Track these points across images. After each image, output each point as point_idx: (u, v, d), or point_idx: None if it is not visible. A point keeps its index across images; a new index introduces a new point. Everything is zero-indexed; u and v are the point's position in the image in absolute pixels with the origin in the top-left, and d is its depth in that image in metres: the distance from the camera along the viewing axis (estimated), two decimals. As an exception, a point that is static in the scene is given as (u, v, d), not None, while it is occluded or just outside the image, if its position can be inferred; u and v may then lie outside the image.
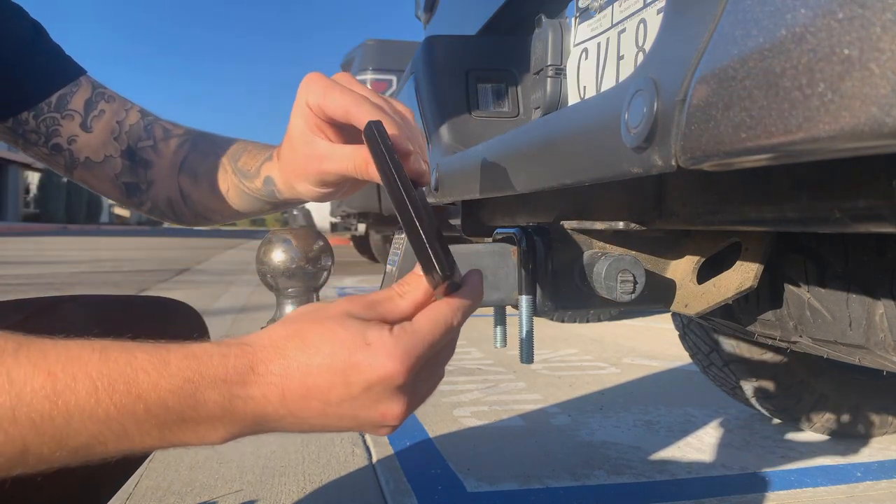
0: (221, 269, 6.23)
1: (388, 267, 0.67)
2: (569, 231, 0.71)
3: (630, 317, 3.28)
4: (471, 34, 1.21)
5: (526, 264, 0.67)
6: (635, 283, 0.64)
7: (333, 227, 6.68)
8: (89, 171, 0.71)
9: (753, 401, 1.45)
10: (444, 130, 1.04)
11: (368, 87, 0.54)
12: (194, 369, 0.39)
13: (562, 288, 0.70)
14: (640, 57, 0.64)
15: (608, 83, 0.71)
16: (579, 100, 0.77)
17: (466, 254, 0.65)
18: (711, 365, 1.43)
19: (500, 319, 0.71)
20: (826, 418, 1.43)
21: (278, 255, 0.63)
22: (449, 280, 0.42)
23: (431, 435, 1.51)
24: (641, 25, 0.64)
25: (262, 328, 0.44)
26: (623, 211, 0.71)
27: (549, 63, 0.81)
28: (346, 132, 0.55)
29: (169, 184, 0.72)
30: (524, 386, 1.96)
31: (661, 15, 0.59)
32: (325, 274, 0.65)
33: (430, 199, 0.92)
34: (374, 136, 0.46)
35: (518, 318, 0.67)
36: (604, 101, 0.47)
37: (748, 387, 1.41)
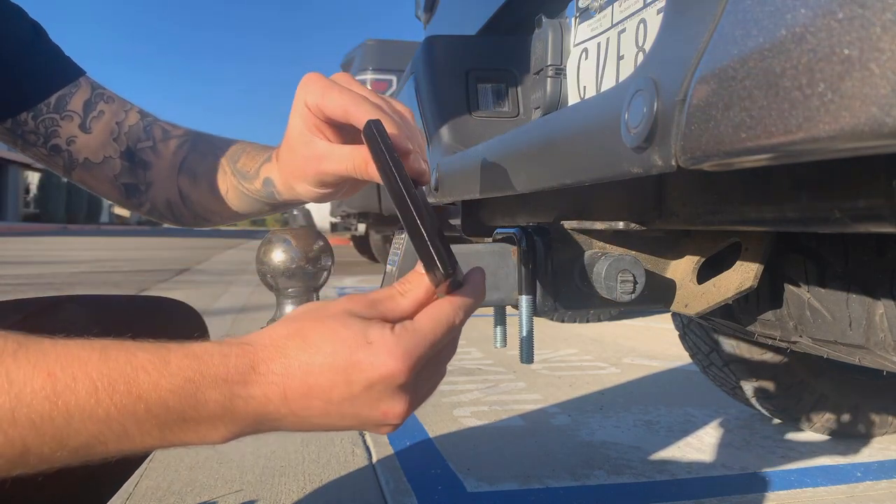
0: (221, 269, 6.23)
1: (388, 267, 0.67)
2: (569, 231, 0.71)
3: (630, 317, 3.28)
4: (471, 34, 1.21)
5: (526, 264, 0.67)
6: (635, 283, 0.64)
7: (333, 227, 6.68)
8: (88, 172, 0.71)
9: (753, 401, 1.45)
10: (444, 130, 1.04)
11: (368, 87, 0.54)
12: (195, 369, 0.39)
13: (562, 288, 0.69)
14: (640, 57, 0.64)
15: (608, 83, 0.71)
16: (579, 100, 0.77)
17: (466, 254, 0.65)
18: (711, 365, 1.43)
19: (500, 319, 0.71)
20: (826, 418, 1.43)
21: (278, 255, 0.63)
22: (451, 278, 0.42)
23: (431, 435, 1.50)
24: (641, 25, 0.64)
25: (261, 328, 0.44)
26: (623, 211, 0.71)
27: (549, 63, 0.81)
28: (345, 132, 0.55)
29: (168, 185, 0.72)
30: (524, 386, 1.96)
31: (661, 15, 0.59)
32: (325, 274, 0.65)
33: (430, 200, 0.92)
34: (373, 135, 0.46)
35: (518, 318, 0.67)
36: (604, 101, 0.47)
37: (748, 387, 1.41)
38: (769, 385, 1.39)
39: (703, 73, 0.34)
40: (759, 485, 1.26)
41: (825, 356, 0.85)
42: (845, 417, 1.43)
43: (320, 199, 0.62)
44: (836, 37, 0.25)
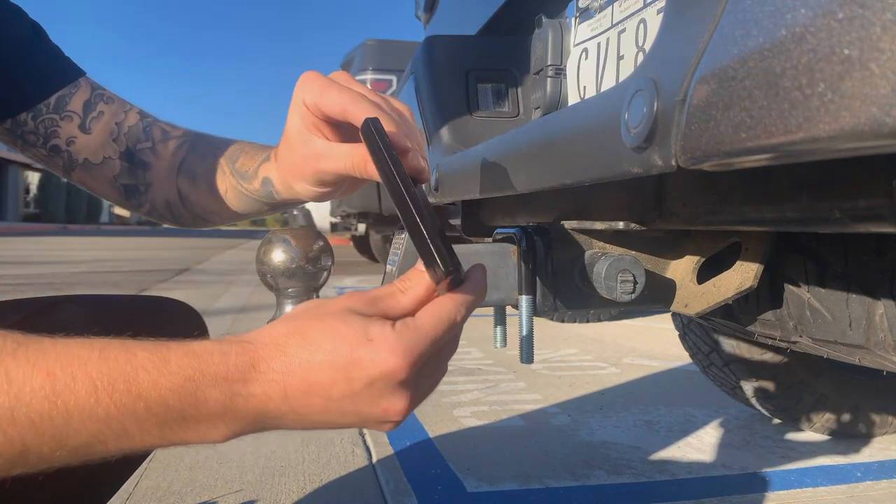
0: (221, 269, 6.23)
1: (388, 267, 0.67)
2: (569, 231, 0.71)
3: (630, 317, 3.28)
4: (471, 34, 1.21)
5: (526, 264, 0.67)
6: (635, 283, 0.64)
7: (333, 227, 6.68)
8: (88, 172, 0.71)
9: (753, 401, 1.45)
10: (444, 130, 1.04)
11: (368, 87, 0.54)
12: (195, 367, 0.39)
13: (562, 288, 0.69)
14: (640, 57, 0.64)
15: (608, 83, 0.70)
16: (579, 100, 0.77)
17: (466, 254, 0.65)
18: (711, 365, 1.43)
19: (500, 319, 0.71)
20: (826, 418, 1.43)
21: (278, 255, 0.63)
22: (452, 275, 0.42)
23: (431, 435, 1.50)
24: (641, 25, 0.64)
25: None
26: (623, 211, 0.71)
27: (549, 63, 0.81)
28: (343, 131, 0.55)
29: (167, 185, 0.72)
30: (524, 386, 1.96)
31: (661, 15, 0.59)
32: (325, 274, 0.65)
33: (430, 200, 0.92)
34: (371, 133, 0.46)
35: (518, 318, 0.67)
36: (604, 101, 0.47)
37: (748, 387, 1.41)
38: (769, 385, 1.39)
39: (703, 73, 0.34)
40: (759, 485, 1.26)
41: (825, 356, 0.85)
42: (845, 417, 1.43)
43: (319, 198, 0.62)
44: (836, 37, 0.25)
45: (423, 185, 0.51)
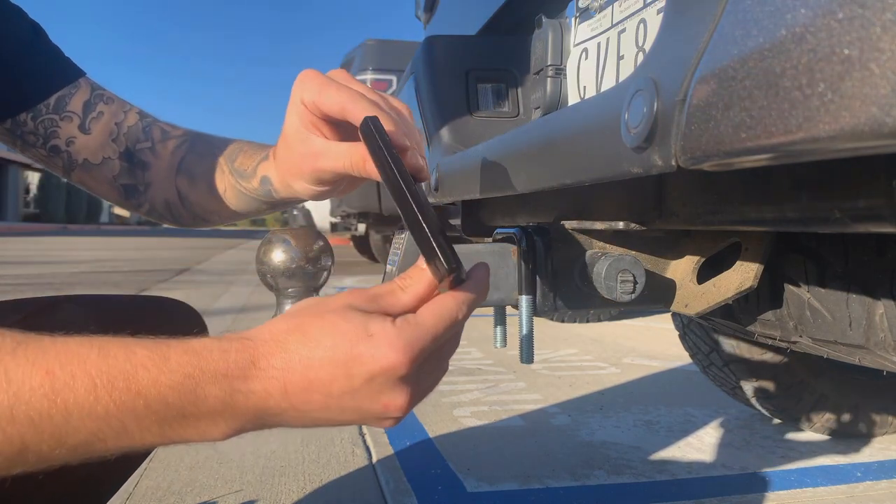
0: (221, 269, 6.23)
1: (388, 267, 0.67)
2: (569, 231, 0.71)
3: (630, 317, 3.28)
4: (471, 34, 1.21)
5: (526, 264, 0.67)
6: (635, 283, 0.64)
7: (333, 227, 6.68)
8: (87, 172, 0.71)
9: (753, 401, 1.45)
10: (444, 130, 1.04)
11: (368, 86, 0.54)
12: (194, 365, 0.39)
13: (562, 288, 0.69)
14: (640, 57, 0.64)
15: (608, 83, 0.70)
16: (579, 100, 0.77)
17: (466, 254, 0.65)
18: (711, 365, 1.43)
19: (500, 319, 0.71)
20: (826, 418, 1.43)
21: (278, 255, 0.63)
22: (455, 272, 0.42)
23: (431, 435, 1.50)
24: (641, 25, 0.64)
25: None
26: (623, 211, 0.71)
27: (549, 63, 0.81)
28: (341, 129, 0.55)
29: (167, 185, 0.72)
30: (524, 386, 1.96)
31: (661, 15, 0.59)
32: (325, 274, 0.65)
33: (430, 200, 0.92)
34: (370, 131, 0.46)
35: (518, 318, 0.67)
36: (604, 101, 0.47)
37: (748, 387, 1.41)
38: (769, 385, 1.39)
39: (703, 73, 0.34)
40: (759, 485, 1.26)
41: (825, 356, 0.85)
42: (845, 417, 1.43)
43: (318, 197, 0.62)
44: (836, 37, 0.25)
45: (423, 186, 0.51)
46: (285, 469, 1.29)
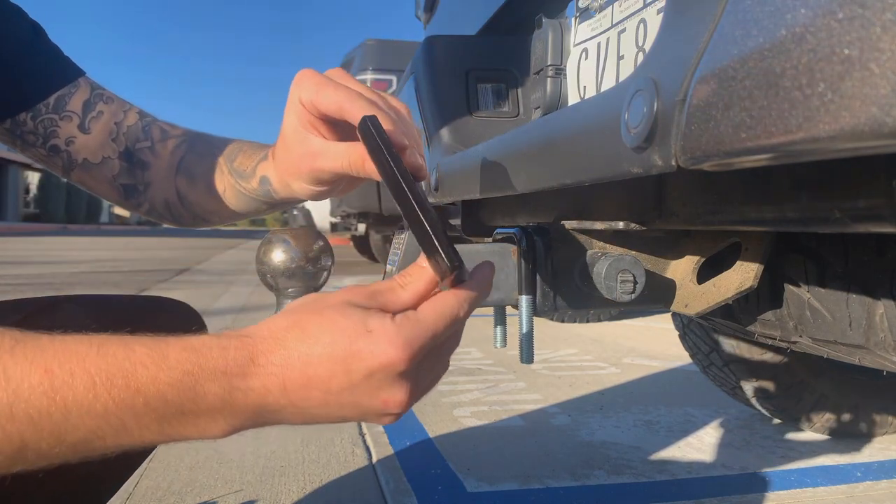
0: (221, 269, 6.23)
1: (388, 267, 0.67)
2: (569, 231, 0.71)
3: (630, 317, 3.28)
4: (471, 34, 1.21)
5: (526, 264, 0.67)
6: (635, 283, 0.64)
7: (333, 227, 6.68)
8: (87, 172, 0.71)
9: (753, 401, 1.45)
10: (444, 131, 1.04)
11: (366, 86, 0.54)
12: (193, 362, 0.39)
13: (562, 288, 0.69)
14: (640, 57, 0.64)
15: (608, 83, 0.70)
16: (579, 100, 0.77)
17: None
18: (711, 365, 1.43)
19: (500, 319, 0.71)
20: (826, 418, 1.43)
21: (278, 255, 0.63)
22: (457, 270, 0.42)
23: (431, 435, 1.50)
24: (641, 25, 0.64)
25: None
26: (623, 211, 0.71)
27: (549, 63, 0.81)
28: (340, 129, 0.55)
29: (166, 185, 0.72)
30: (524, 386, 1.96)
31: (661, 15, 0.59)
32: (325, 274, 0.65)
33: (430, 200, 0.92)
34: (369, 131, 0.46)
35: (518, 318, 0.67)
36: (604, 101, 0.47)
37: (748, 387, 1.41)
38: (769, 385, 1.39)
39: (703, 73, 0.34)
40: (759, 485, 1.26)
41: (825, 356, 0.85)
42: (845, 417, 1.43)
43: (316, 197, 0.62)
44: (836, 37, 0.25)
45: (423, 185, 0.51)
46: (285, 469, 1.29)
